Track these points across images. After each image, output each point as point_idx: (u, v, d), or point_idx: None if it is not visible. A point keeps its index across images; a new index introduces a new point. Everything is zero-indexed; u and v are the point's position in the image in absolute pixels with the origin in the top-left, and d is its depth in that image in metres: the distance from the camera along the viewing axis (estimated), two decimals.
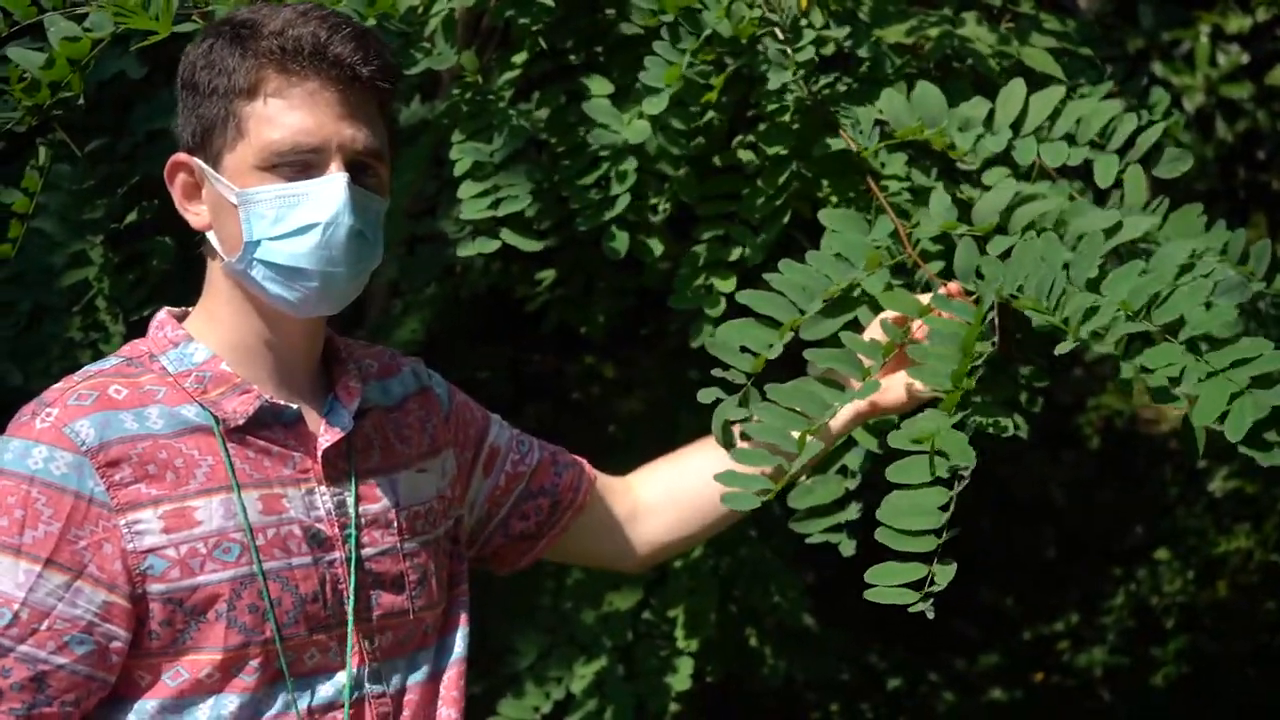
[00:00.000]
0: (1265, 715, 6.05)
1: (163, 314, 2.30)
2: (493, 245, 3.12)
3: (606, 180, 3.05)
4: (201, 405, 2.21)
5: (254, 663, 2.20)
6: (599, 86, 3.09)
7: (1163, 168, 2.87)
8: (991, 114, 2.88)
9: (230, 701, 2.19)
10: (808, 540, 2.78)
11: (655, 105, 2.89)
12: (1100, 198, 2.91)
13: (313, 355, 2.32)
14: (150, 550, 2.15)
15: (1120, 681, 6.31)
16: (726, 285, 3.01)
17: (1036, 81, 2.98)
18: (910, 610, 2.20)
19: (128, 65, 3.24)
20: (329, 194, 2.19)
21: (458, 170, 3.08)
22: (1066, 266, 2.48)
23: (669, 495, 2.66)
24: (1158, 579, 6.46)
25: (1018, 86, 2.89)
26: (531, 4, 3.11)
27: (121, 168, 3.41)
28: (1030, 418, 2.82)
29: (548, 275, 3.88)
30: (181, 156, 2.24)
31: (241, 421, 2.21)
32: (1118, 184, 2.85)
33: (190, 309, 2.32)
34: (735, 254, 3.03)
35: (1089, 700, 6.34)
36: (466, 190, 3.07)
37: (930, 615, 2.19)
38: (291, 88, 2.18)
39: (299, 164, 2.18)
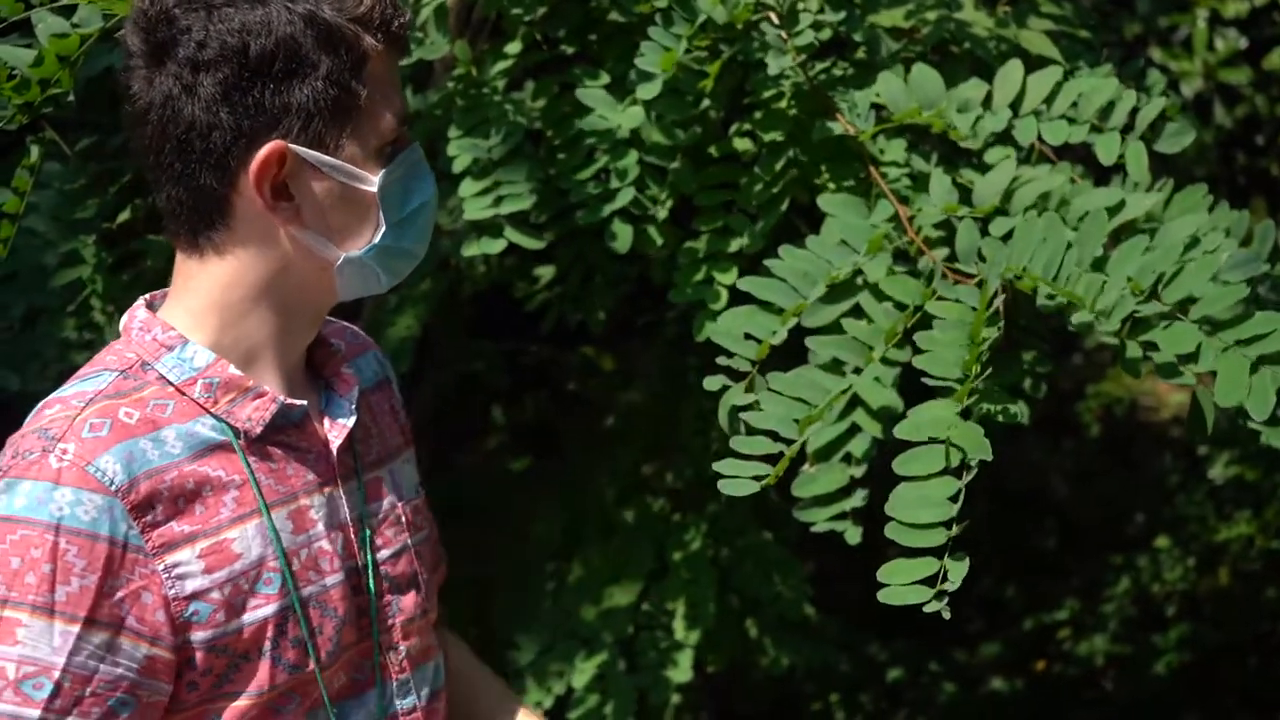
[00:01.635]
0: (1267, 703, 6.05)
1: (143, 312, 2.04)
2: (498, 245, 3.09)
3: (605, 174, 3.03)
4: (215, 417, 1.98)
5: (296, 696, 2.01)
6: (593, 77, 3.07)
7: (1164, 143, 2.84)
8: (990, 95, 2.86)
9: None
10: (813, 529, 2.76)
11: (649, 90, 2.86)
12: (1102, 179, 2.89)
13: (309, 343, 2.11)
14: (194, 595, 1.93)
15: (1122, 670, 6.30)
16: (727, 277, 2.98)
17: (1033, 65, 2.97)
18: (925, 610, 2.15)
19: (116, 60, 3.21)
20: (427, 168, 2.06)
21: (457, 167, 3.05)
22: (1070, 246, 2.46)
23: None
24: (1159, 567, 6.45)
25: (1014, 67, 2.87)
26: None
27: (112, 165, 3.37)
28: (1032, 404, 2.81)
29: (546, 272, 3.86)
30: (279, 147, 1.94)
31: (260, 430, 1.99)
32: (1120, 166, 2.83)
33: (157, 297, 2.08)
34: (735, 245, 2.99)
35: (1090, 689, 6.33)
36: (467, 189, 3.04)
37: (946, 615, 2.14)
38: (388, 62, 2.00)
39: (395, 140, 2.02)
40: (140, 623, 1.91)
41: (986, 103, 2.85)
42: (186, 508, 1.94)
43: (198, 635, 1.94)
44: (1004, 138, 2.84)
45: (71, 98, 2.75)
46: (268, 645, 1.97)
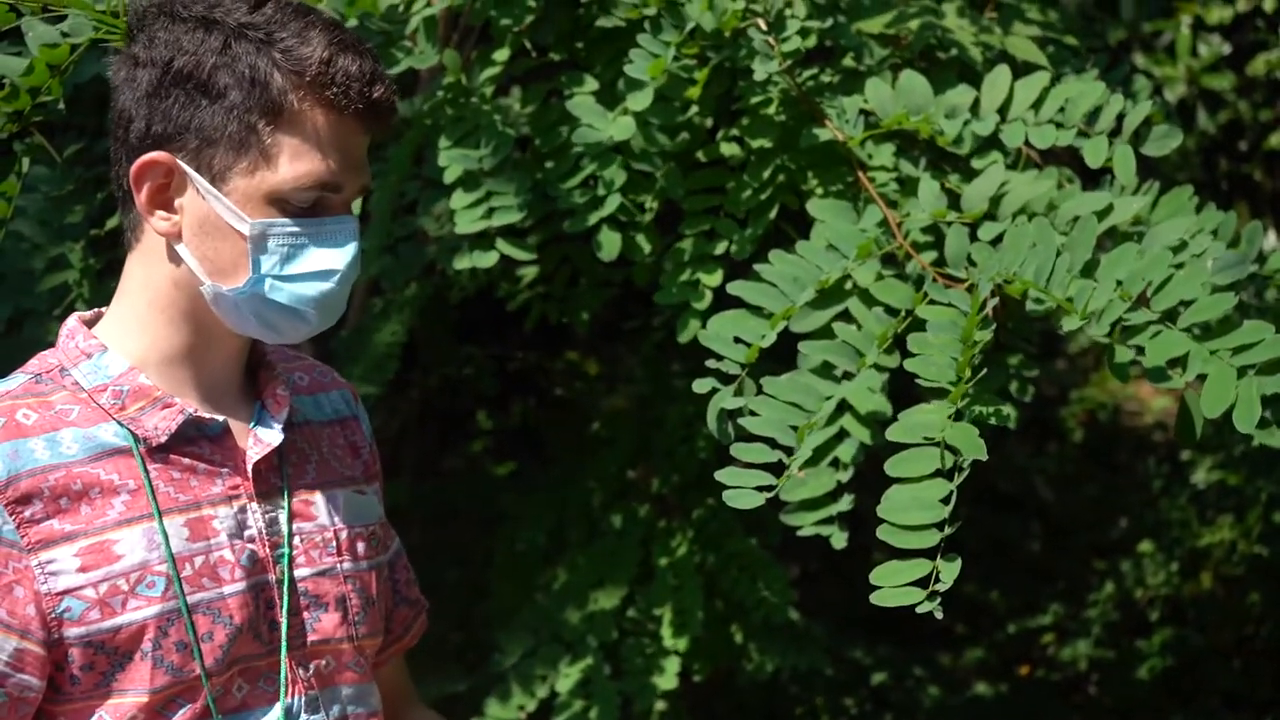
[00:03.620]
0: (1250, 707, 6.06)
1: (73, 321, 2.10)
2: (490, 259, 3.09)
3: (592, 180, 3.03)
4: (119, 423, 2.02)
5: (183, 702, 2.01)
6: (582, 84, 3.08)
7: (1151, 145, 2.85)
8: (977, 101, 2.87)
9: None
10: (799, 533, 2.76)
11: (640, 100, 2.88)
12: (1089, 182, 2.90)
13: (240, 363, 2.14)
14: (66, 592, 1.96)
15: (1105, 674, 6.31)
16: (712, 280, 2.99)
17: (1020, 70, 2.98)
18: (918, 611, 2.15)
19: (105, 68, 3.20)
20: (345, 241, 2.05)
21: (448, 178, 3.05)
22: (1060, 251, 2.46)
23: None
24: (1142, 571, 6.46)
25: (1001, 73, 2.89)
26: (513, 4, 3.10)
27: (100, 170, 3.38)
28: (1018, 406, 2.81)
29: (529, 273, 3.86)
30: (164, 158, 2.01)
31: (164, 439, 2.03)
32: (1106, 168, 2.84)
33: (103, 310, 2.12)
34: (721, 248, 3.01)
35: (1074, 693, 6.34)
36: (459, 201, 3.04)
37: (939, 615, 2.15)
38: (330, 126, 2.01)
39: (311, 200, 2.03)
40: (10, 616, 1.95)
41: (974, 108, 2.87)
42: (70, 507, 1.97)
43: (71, 631, 1.96)
44: (991, 142, 2.85)
45: (61, 105, 2.75)
46: (149, 646, 1.99)
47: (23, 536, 1.95)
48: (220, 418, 2.08)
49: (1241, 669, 6.21)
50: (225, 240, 2.02)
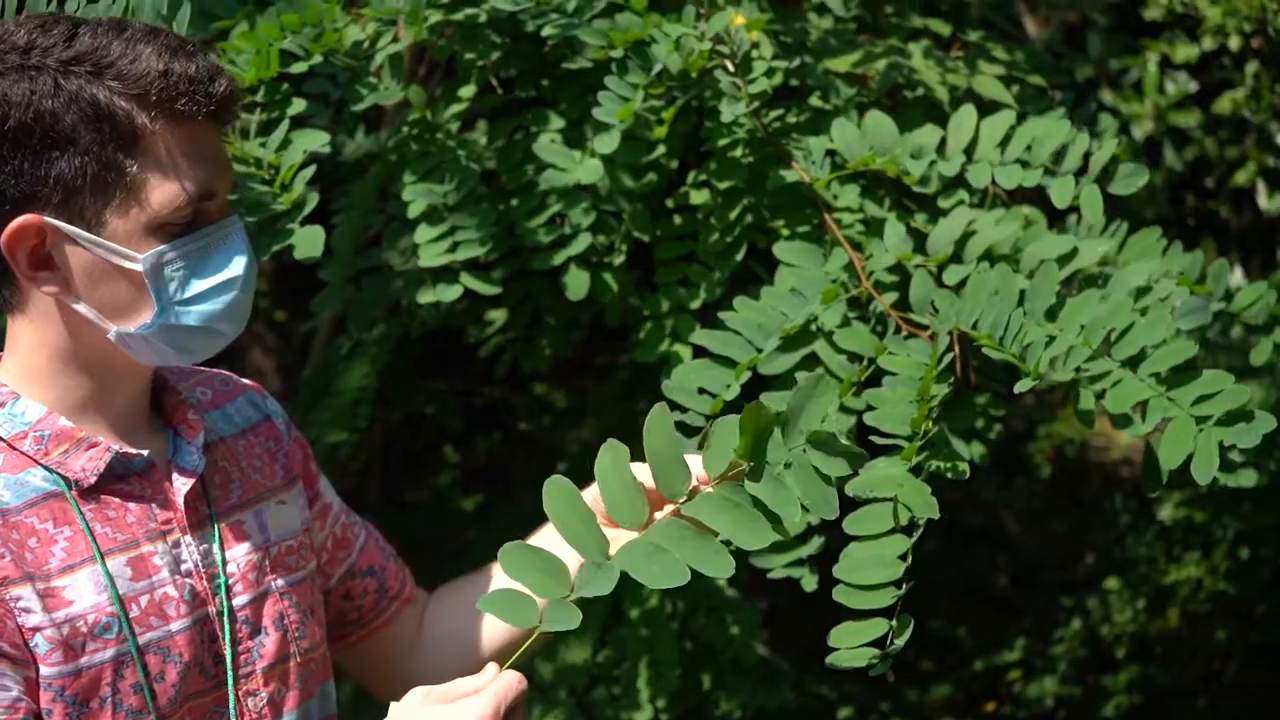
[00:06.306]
0: None
1: None
2: (454, 292, 3.08)
3: (560, 218, 3.02)
4: (46, 468, 1.99)
5: None
6: (548, 123, 3.06)
7: (1118, 184, 2.84)
8: (944, 141, 2.86)
9: None
10: (769, 575, 2.75)
11: (607, 144, 2.86)
12: (1056, 219, 2.90)
13: (146, 395, 2.11)
14: (36, 629, 1.93)
15: (1072, 712, 6.30)
16: (692, 336, 2.99)
17: (986, 109, 2.97)
18: (871, 674, 2.13)
19: None
20: (235, 245, 2.01)
21: (411, 213, 3.04)
22: (1022, 297, 2.45)
23: (453, 628, 2.41)
24: (1108, 608, 6.45)
25: (968, 113, 2.88)
26: (479, 40, 3.08)
27: None
28: (988, 445, 2.80)
29: (498, 316, 3.84)
30: (32, 220, 1.93)
31: (94, 480, 1.99)
32: (1074, 206, 2.84)
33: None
34: (696, 301, 2.99)
35: None
36: (423, 235, 3.02)
37: (891, 679, 2.13)
38: (186, 137, 1.96)
39: (189, 215, 1.97)
40: (13, 647, 1.91)
41: (940, 148, 2.86)
42: (18, 551, 1.93)
43: (41, 670, 1.93)
44: (958, 182, 2.84)
45: None
46: (107, 691, 1.96)
47: None
48: (145, 452, 2.04)
49: (1208, 707, 6.20)
50: (118, 283, 1.97)
